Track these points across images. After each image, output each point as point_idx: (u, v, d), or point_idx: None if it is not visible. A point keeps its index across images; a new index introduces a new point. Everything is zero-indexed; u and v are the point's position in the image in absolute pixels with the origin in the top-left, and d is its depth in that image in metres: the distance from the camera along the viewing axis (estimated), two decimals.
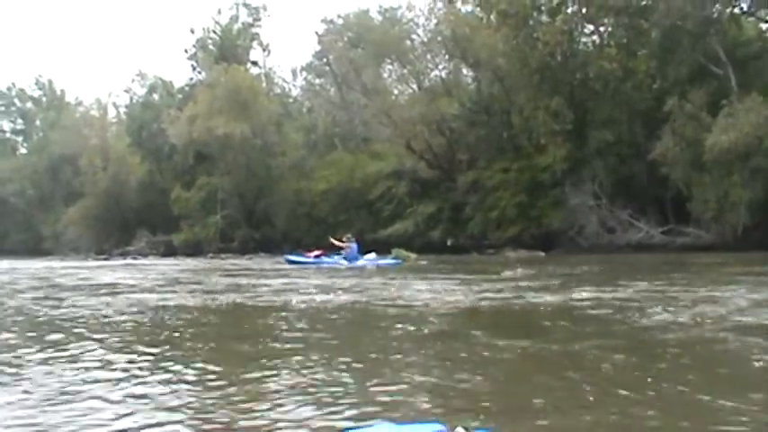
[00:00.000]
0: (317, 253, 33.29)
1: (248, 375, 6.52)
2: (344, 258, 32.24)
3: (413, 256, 33.70)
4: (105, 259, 54.87)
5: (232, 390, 5.96)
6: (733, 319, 9.70)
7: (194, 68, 76.66)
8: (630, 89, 41.92)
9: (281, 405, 5.40)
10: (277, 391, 5.84)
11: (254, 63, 76.31)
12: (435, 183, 52.04)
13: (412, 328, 9.68)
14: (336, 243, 33.88)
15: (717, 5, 40.07)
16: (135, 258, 55.25)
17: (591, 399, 5.41)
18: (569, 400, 5.32)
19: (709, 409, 5.12)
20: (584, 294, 13.45)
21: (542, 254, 38.97)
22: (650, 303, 11.54)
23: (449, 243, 46.55)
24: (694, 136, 36.99)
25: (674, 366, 6.59)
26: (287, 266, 31.08)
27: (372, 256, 33.14)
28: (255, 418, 5.09)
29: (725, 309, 10.83)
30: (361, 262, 31.69)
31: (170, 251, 63.29)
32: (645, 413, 5.00)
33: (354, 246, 33.16)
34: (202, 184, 67.16)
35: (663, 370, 6.43)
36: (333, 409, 5.26)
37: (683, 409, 5.12)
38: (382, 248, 37.03)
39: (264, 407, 5.36)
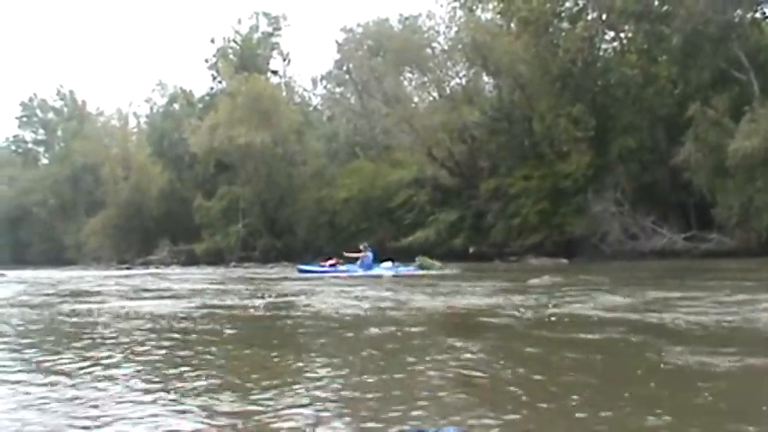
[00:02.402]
0: (331, 262, 33.24)
1: (260, 385, 6.42)
2: (360, 267, 32.16)
3: (437, 264, 33.28)
4: (128, 269, 55.15)
5: (243, 400, 5.85)
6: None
7: (214, 78, 77.28)
8: (652, 95, 41.75)
9: (296, 416, 5.30)
10: (291, 402, 5.68)
11: (275, 72, 76.80)
12: (457, 190, 52.00)
13: (436, 335, 9.66)
14: (350, 255, 33.80)
15: (738, 10, 39.86)
16: (157, 267, 55.51)
17: (608, 403, 5.39)
18: (591, 411, 5.28)
19: None
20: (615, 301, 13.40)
21: (565, 261, 38.87)
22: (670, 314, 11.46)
23: (471, 251, 46.42)
24: (717, 141, 36.82)
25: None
26: (300, 276, 31.00)
27: (389, 264, 32.99)
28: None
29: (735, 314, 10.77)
30: (376, 270, 31.53)
31: (192, 260, 63.51)
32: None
33: (370, 254, 33.06)
34: (224, 194, 67.42)
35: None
36: (350, 418, 5.21)
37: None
38: (404, 257, 36.89)
39: (279, 418, 5.24)
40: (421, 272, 30.81)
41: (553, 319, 11.11)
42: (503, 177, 47.98)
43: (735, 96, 38.27)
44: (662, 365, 6.84)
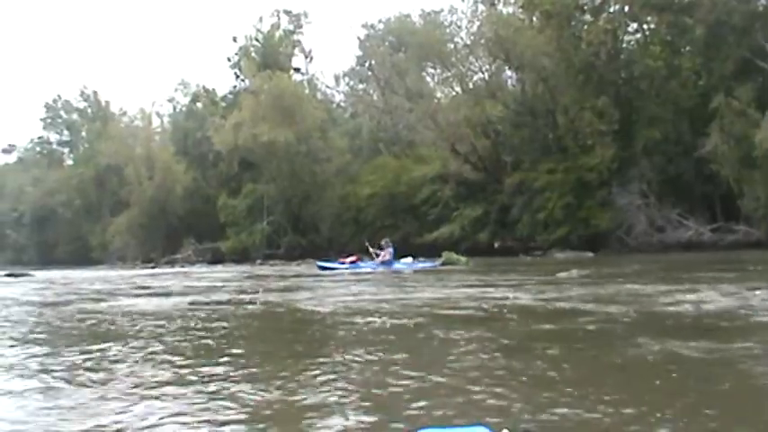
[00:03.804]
0: (352, 259, 33.18)
1: (282, 380, 6.39)
2: (380, 263, 32.13)
3: (462, 259, 33.05)
4: (153, 267, 55.36)
5: (260, 392, 5.82)
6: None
7: (237, 76, 77.31)
8: (676, 87, 41.64)
9: (319, 410, 5.25)
10: (314, 396, 5.62)
11: (297, 70, 76.58)
12: (481, 185, 51.94)
13: (458, 330, 9.62)
14: (371, 250, 33.76)
15: None
16: (182, 266, 55.69)
17: (625, 398, 5.38)
18: (614, 408, 5.25)
19: None
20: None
21: (591, 254, 38.75)
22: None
23: (496, 245, 46.35)
24: (743, 132, 36.65)
25: None
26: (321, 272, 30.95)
27: (409, 260, 32.96)
28: (294, 426, 5.04)
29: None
30: (397, 266, 31.48)
31: (217, 258, 63.57)
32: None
33: (391, 250, 33.03)
34: (248, 192, 67.46)
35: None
36: (374, 414, 5.14)
37: None
38: (429, 252, 36.85)
39: (302, 414, 5.20)
40: (443, 267, 30.66)
41: (584, 312, 11.10)
42: (527, 171, 47.88)
43: (759, 86, 38.11)
44: (676, 356, 6.85)
